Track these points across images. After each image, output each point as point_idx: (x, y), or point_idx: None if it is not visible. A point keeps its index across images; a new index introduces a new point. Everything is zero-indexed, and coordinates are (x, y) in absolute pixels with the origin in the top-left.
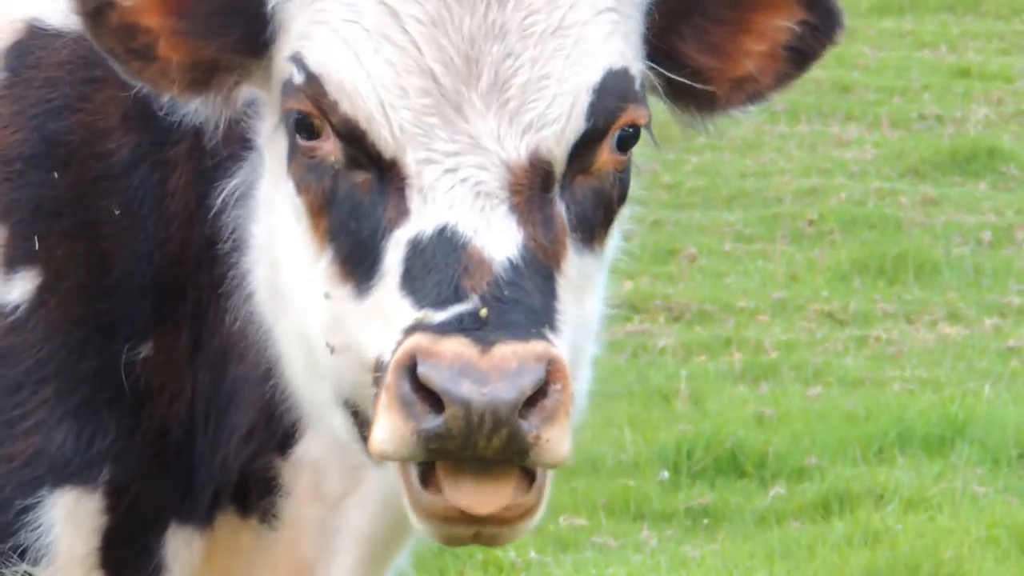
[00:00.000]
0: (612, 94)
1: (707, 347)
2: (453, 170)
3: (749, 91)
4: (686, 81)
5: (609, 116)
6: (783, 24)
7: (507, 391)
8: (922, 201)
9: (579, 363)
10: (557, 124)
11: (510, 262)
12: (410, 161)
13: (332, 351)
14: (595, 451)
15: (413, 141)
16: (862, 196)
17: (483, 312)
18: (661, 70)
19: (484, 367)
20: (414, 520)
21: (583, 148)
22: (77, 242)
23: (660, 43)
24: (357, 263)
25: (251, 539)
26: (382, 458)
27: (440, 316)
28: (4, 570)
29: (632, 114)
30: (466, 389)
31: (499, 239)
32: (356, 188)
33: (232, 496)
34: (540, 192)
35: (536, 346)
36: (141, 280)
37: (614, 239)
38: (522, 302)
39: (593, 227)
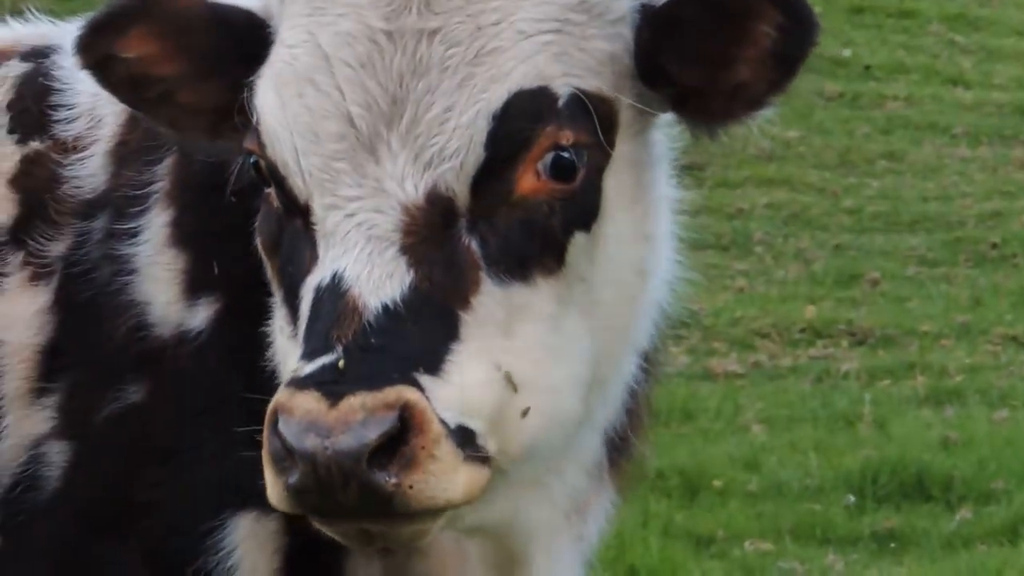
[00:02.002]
0: (519, 117)
1: (891, 371)
2: (351, 215)
3: (746, 99)
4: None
5: (515, 140)
6: (765, 29)
7: (348, 443)
8: None
9: (527, 388)
10: (456, 158)
11: (384, 308)
12: (317, 207)
13: None
14: (780, 476)
15: (320, 187)
16: None
17: (341, 364)
18: (655, 89)
19: (329, 421)
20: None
21: (490, 178)
22: (253, 267)
23: (651, 61)
24: (292, 306)
25: (416, 563)
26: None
27: (307, 369)
28: None
29: (552, 135)
30: (310, 444)
31: (379, 284)
32: (292, 234)
33: None
34: (440, 229)
35: (388, 394)
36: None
37: (612, 259)
38: (388, 348)
39: (527, 258)
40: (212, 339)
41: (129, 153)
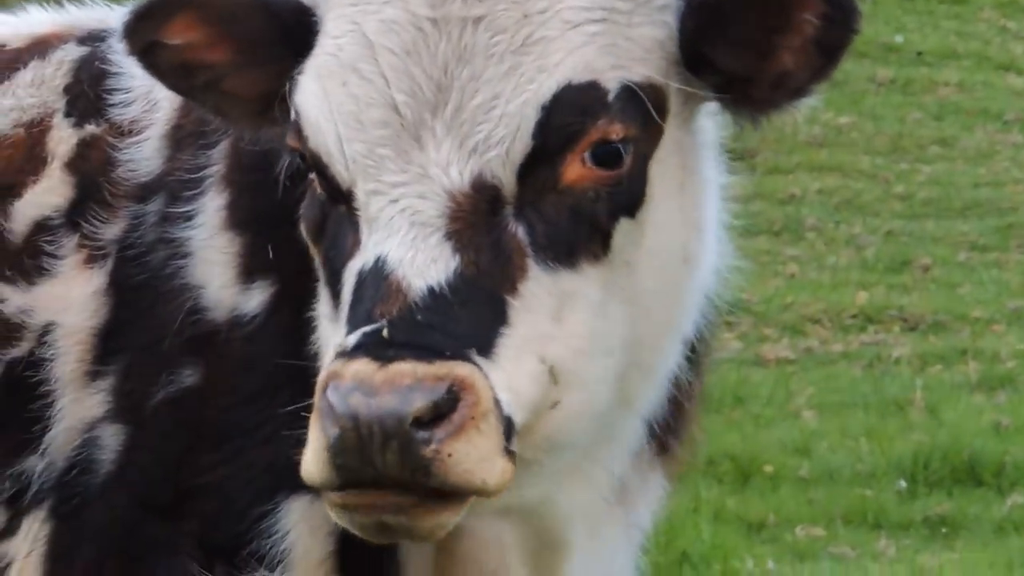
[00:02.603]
0: (568, 110)
1: (942, 357)
2: (395, 201)
3: (791, 87)
4: (716, 88)
5: (565, 133)
6: (807, 18)
7: (394, 403)
8: None
9: (565, 381)
10: (501, 146)
11: (431, 290)
12: (360, 193)
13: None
14: (832, 462)
15: (364, 173)
16: None
17: (385, 333)
18: (699, 77)
19: (376, 381)
20: (328, 511)
21: (536, 167)
22: (307, 250)
23: (696, 49)
24: (335, 291)
25: (462, 545)
26: (310, 484)
27: (351, 340)
28: (249, 575)
29: (602, 129)
30: (354, 401)
31: (423, 268)
32: (335, 220)
33: None
34: (487, 216)
35: (439, 367)
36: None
37: (658, 245)
38: (438, 326)
39: (574, 244)
40: (266, 323)
41: (184, 136)
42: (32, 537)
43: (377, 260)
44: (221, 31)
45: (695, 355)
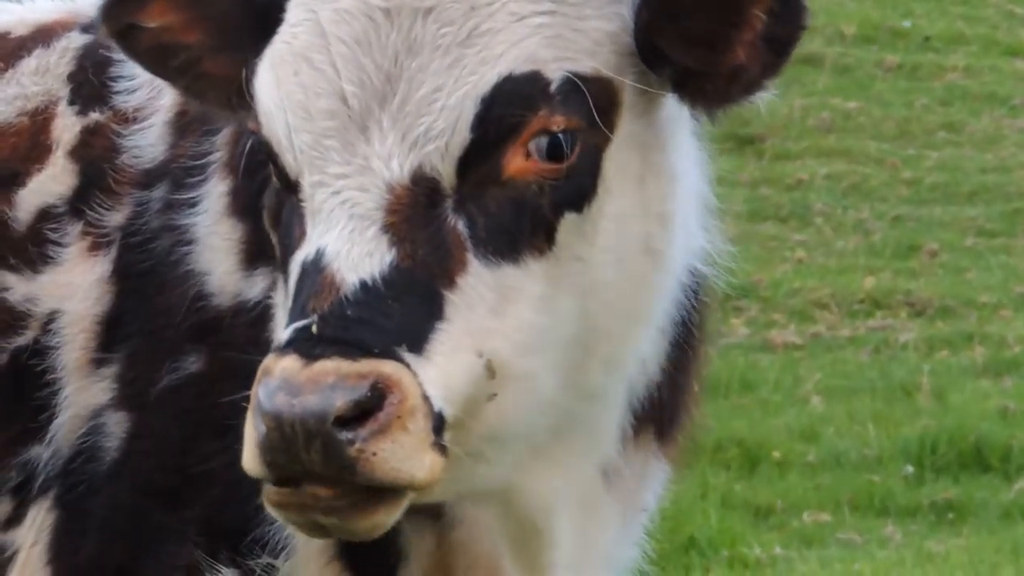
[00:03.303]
0: (508, 102)
1: (949, 342)
2: (337, 192)
3: (743, 82)
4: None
5: (505, 124)
6: (757, 13)
7: (315, 402)
8: None
9: (503, 375)
10: (441, 139)
11: (363, 284)
12: (306, 184)
13: None
14: (838, 447)
15: (310, 164)
16: None
17: (314, 328)
18: (654, 70)
19: (300, 380)
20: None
21: (476, 160)
22: None
23: (650, 42)
24: (284, 280)
25: (456, 532)
26: (252, 475)
27: (285, 335)
28: (248, 562)
29: (543, 120)
30: (279, 400)
31: (358, 261)
32: (288, 209)
33: None
34: (425, 209)
35: (363, 365)
36: None
37: (619, 238)
38: (367, 321)
39: (516, 238)
40: (270, 309)
41: (188, 123)
42: (38, 526)
43: (317, 252)
44: (196, 14)
45: (684, 341)
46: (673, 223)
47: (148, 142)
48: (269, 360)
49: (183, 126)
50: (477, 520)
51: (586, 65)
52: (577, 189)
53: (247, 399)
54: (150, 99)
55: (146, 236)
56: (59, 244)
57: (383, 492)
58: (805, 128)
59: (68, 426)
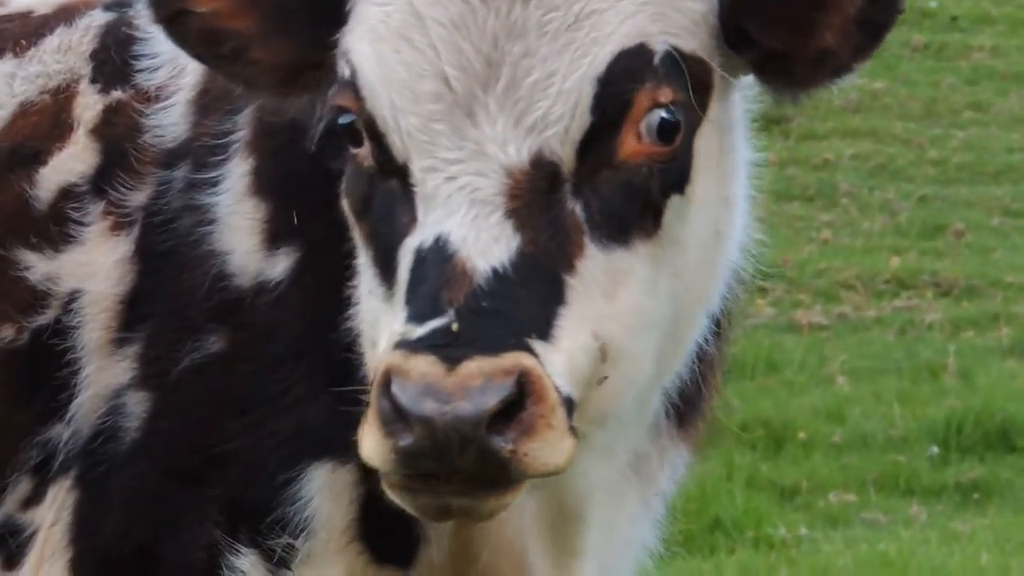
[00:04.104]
0: (621, 78)
1: (975, 322)
2: (453, 178)
3: (831, 66)
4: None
5: (619, 102)
6: None
7: (468, 409)
8: None
9: (613, 357)
10: (561, 123)
11: (494, 271)
12: (415, 169)
13: (372, 346)
14: (864, 427)
15: (419, 148)
16: None
17: (454, 327)
18: (740, 53)
19: (448, 386)
20: (386, 491)
21: (595, 142)
22: (332, 216)
23: (735, 25)
24: (386, 268)
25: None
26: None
27: (417, 332)
28: (269, 542)
29: (650, 94)
30: (428, 408)
31: (486, 248)
32: (385, 195)
33: None
34: (545, 194)
35: (505, 360)
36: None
37: (699, 221)
38: (502, 312)
39: (627, 221)
40: (291, 289)
41: (210, 102)
42: (58, 505)
43: (437, 239)
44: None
45: (719, 329)
46: (735, 207)
47: (170, 121)
48: (398, 359)
49: (205, 105)
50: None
51: (686, 43)
52: (680, 171)
53: (275, 380)
54: (172, 78)
55: (168, 216)
56: (81, 223)
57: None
58: (832, 108)
59: (88, 406)
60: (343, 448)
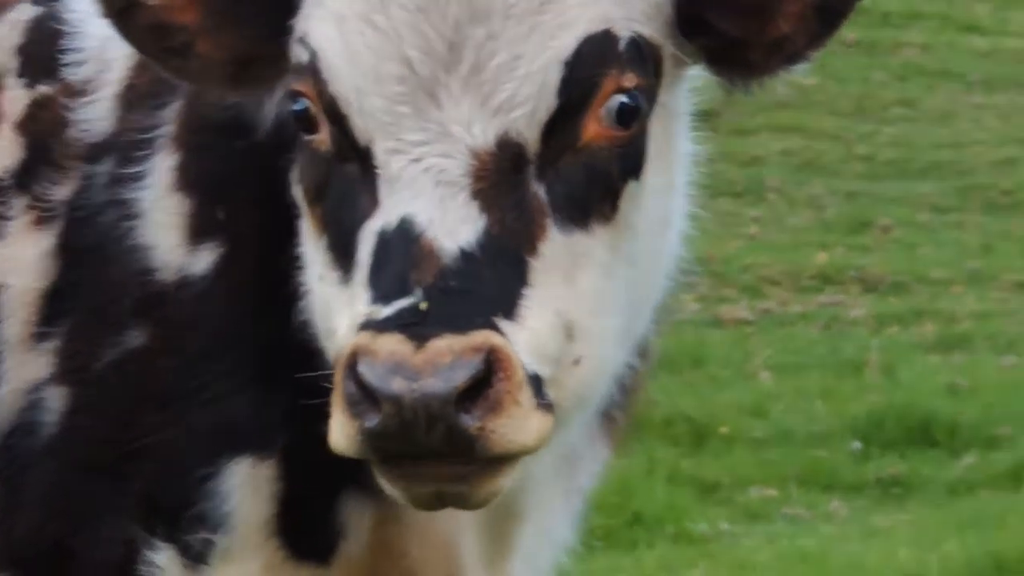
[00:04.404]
0: (588, 62)
1: (899, 318)
2: (417, 160)
3: (786, 53)
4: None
5: (585, 86)
6: None
7: (437, 386)
8: None
9: (581, 337)
10: (527, 105)
11: (462, 252)
12: (379, 151)
13: (326, 335)
14: (786, 423)
15: (382, 130)
16: None
17: (423, 306)
18: (693, 41)
19: (416, 363)
20: (380, 482)
21: (560, 125)
22: (257, 212)
23: (691, 12)
24: (342, 252)
25: (409, 512)
26: (344, 455)
27: (384, 311)
28: (187, 537)
29: (616, 78)
30: (397, 386)
31: (453, 229)
32: (343, 179)
33: None
34: (510, 175)
35: (474, 337)
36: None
37: (650, 209)
38: (470, 291)
39: (587, 205)
40: (214, 285)
41: (137, 97)
42: None
43: (403, 221)
44: None
45: (656, 322)
46: (678, 197)
47: (96, 116)
48: (365, 339)
49: (131, 100)
50: None
51: (646, 29)
52: (637, 156)
53: (196, 375)
54: (99, 72)
55: (92, 210)
56: (4, 218)
57: (494, 460)
58: (760, 104)
59: (7, 400)
60: (264, 443)
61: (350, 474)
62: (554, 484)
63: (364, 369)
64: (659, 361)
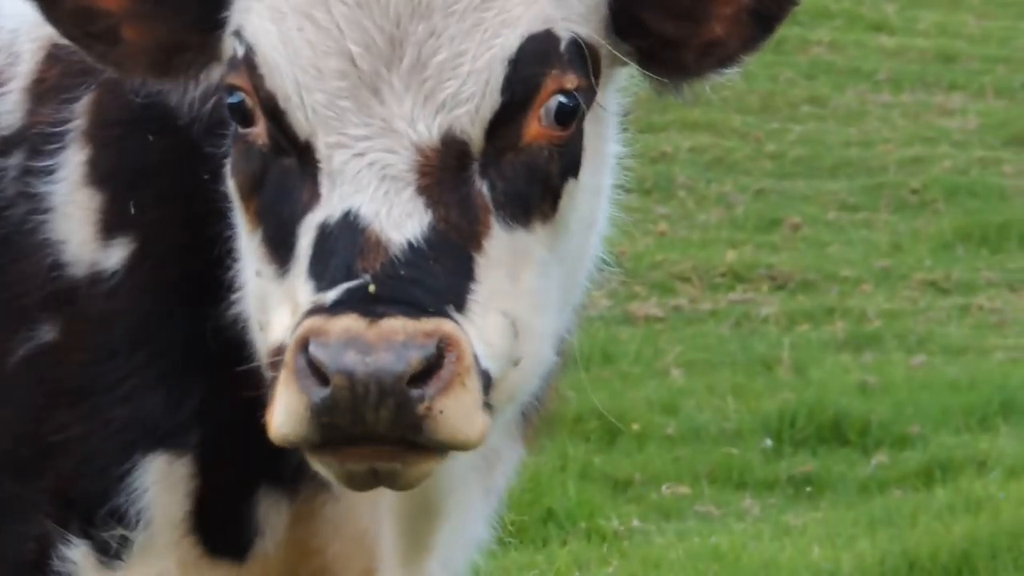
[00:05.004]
0: (530, 61)
1: (810, 316)
2: (361, 154)
3: (718, 56)
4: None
5: (528, 85)
6: None
7: (391, 360)
8: None
9: (524, 336)
10: (471, 102)
11: (409, 244)
12: (321, 145)
13: (260, 329)
14: (698, 420)
15: (325, 125)
16: (965, 165)
17: (371, 288)
18: (627, 42)
19: (370, 338)
20: (311, 463)
21: (503, 123)
22: (170, 207)
23: (627, 13)
24: (279, 245)
25: (326, 508)
26: (281, 443)
27: (331, 295)
28: (102, 534)
29: (558, 80)
30: (350, 359)
31: (400, 222)
32: (280, 172)
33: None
34: (455, 172)
35: (426, 324)
36: (228, 243)
37: (583, 209)
38: (419, 281)
39: (529, 203)
40: (126, 280)
41: (47, 91)
42: None
43: (347, 214)
44: None
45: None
46: (604, 197)
47: (5, 109)
48: (316, 321)
49: (41, 93)
50: (362, 497)
51: (583, 29)
52: (575, 155)
53: (109, 370)
54: (8, 65)
55: (2, 204)
56: None
57: (431, 449)
58: (670, 101)
59: None
60: (180, 440)
61: (266, 471)
62: (473, 483)
63: (315, 349)
64: (570, 358)
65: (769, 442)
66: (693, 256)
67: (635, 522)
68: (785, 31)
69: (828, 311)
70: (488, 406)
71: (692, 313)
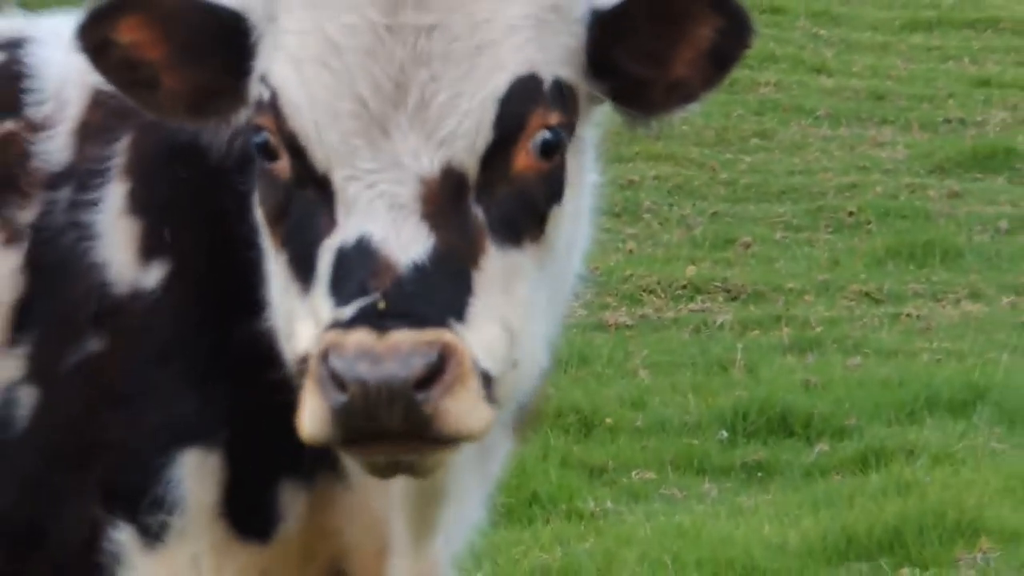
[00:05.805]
0: (517, 100)
1: (760, 323)
2: (372, 186)
3: (682, 94)
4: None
5: (516, 121)
6: (705, 32)
7: (398, 369)
8: (947, 195)
9: (519, 341)
10: (467, 137)
11: (415, 264)
12: (337, 178)
13: (287, 339)
14: (663, 414)
15: (340, 160)
16: (895, 190)
17: (381, 305)
18: (602, 82)
19: (379, 350)
20: (342, 456)
21: (495, 156)
22: (201, 233)
23: (602, 56)
24: (303, 266)
25: (342, 496)
26: (311, 442)
27: (347, 312)
28: (145, 519)
29: (541, 117)
30: (363, 369)
31: (407, 245)
32: (302, 202)
33: (328, 457)
34: (454, 200)
35: (429, 334)
36: (256, 265)
37: (566, 231)
38: (424, 297)
39: (519, 226)
40: (163, 297)
41: (91, 132)
42: None
43: (360, 239)
44: (163, 32)
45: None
46: (584, 221)
47: (55, 148)
48: (335, 335)
49: (87, 134)
50: (376, 484)
51: (564, 72)
52: (558, 183)
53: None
54: (57, 110)
55: (54, 232)
56: None
57: (443, 441)
58: (637, 134)
59: None
60: (211, 437)
61: (287, 463)
62: (473, 471)
63: (334, 360)
64: (552, 361)
65: (725, 434)
66: (658, 271)
67: (608, 504)
68: (737, 73)
69: (776, 319)
70: (491, 401)
71: (657, 321)
